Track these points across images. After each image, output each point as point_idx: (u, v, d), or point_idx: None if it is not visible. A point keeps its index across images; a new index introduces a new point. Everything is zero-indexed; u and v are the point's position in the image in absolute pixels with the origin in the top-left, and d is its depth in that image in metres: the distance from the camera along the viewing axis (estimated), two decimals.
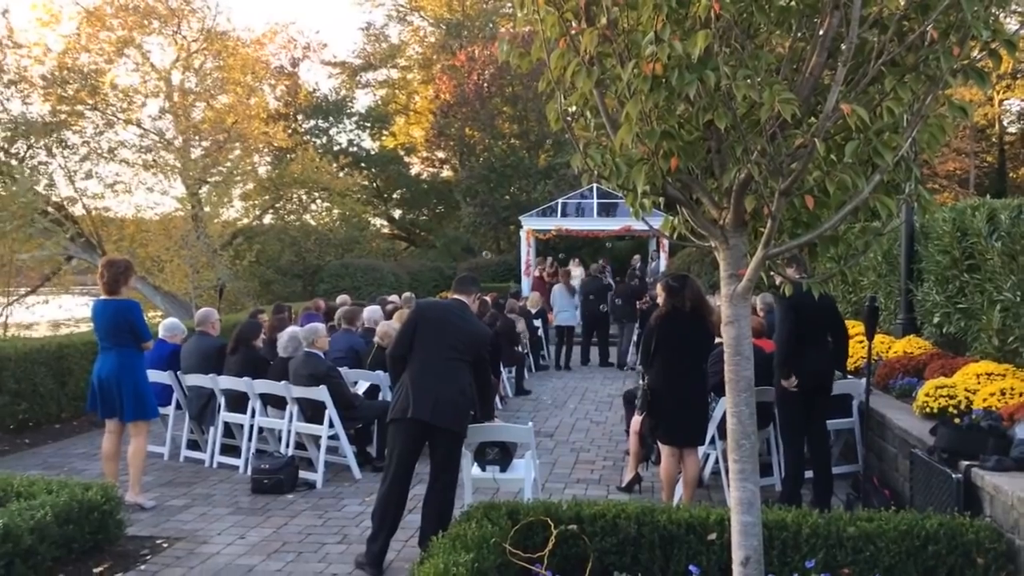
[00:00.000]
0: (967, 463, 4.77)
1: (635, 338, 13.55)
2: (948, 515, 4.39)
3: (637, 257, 21.73)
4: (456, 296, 5.35)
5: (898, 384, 7.18)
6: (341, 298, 12.25)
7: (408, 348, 5.11)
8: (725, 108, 2.86)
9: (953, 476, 4.75)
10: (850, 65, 2.87)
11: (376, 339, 8.32)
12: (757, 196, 3.05)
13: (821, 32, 2.91)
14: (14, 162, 19.46)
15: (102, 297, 6.45)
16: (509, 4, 31.59)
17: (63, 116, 20.99)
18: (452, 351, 5.04)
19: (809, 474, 6.09)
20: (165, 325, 8.62)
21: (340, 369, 7.54)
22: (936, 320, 8.14)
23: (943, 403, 5.90)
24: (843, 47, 2.81)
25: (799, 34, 3.11)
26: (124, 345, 6.32)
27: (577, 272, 19.17)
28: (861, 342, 7.75)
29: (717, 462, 6.48)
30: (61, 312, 22.50)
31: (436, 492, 5.04)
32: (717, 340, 5.74)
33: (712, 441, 6.39)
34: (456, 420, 5.04)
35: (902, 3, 2.88)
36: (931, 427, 5.45)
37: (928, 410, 5.96)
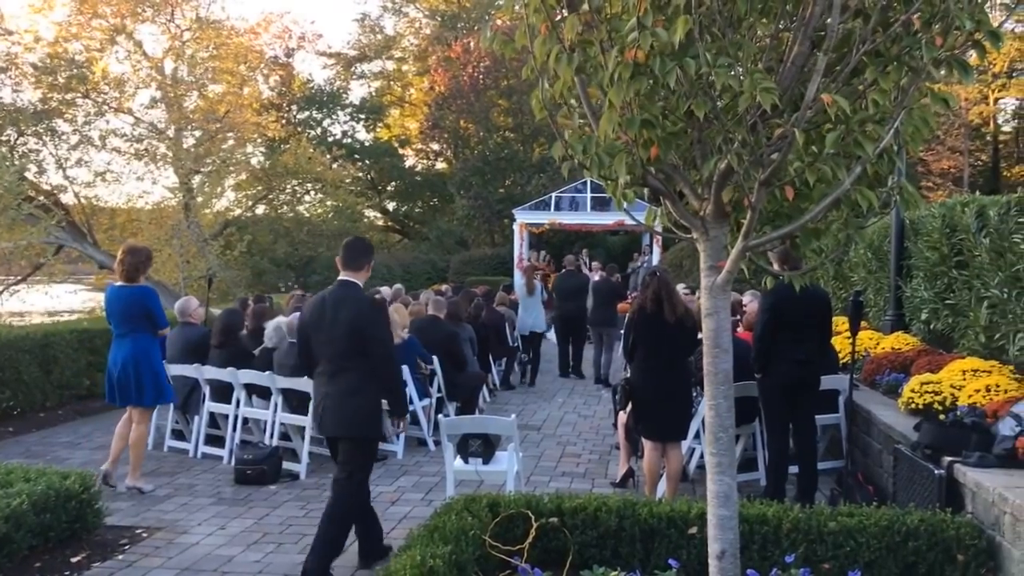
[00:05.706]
0: (950, 459, 4.75)
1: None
2: (930, 511, 4.38)
3: (585, 251, 21.24)
4: (343, 277, 4.77)
5: (885, 380, 7.16)
6: None
7: (310, 360, 4.84)
8: (704, 96, 2.82)
9: (935, 472, 4.73)
10: (833, 55, 2.83)
11: None
12: (737, 187, 3.02)
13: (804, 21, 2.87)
14: (3, 149, 19.34)
15: (117, 283, 6.43)
16: None
17: (54, 104, 20.86)
18: (333, 348, 4.68)
19: (794, 469, 6.07)
20: None
21: None
22: (924, 316, 8.13)
23: (928, 399, 5.88)
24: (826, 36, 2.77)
25: (782, 23, 3.07)
26: (139, 331, 6.35)
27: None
28: (847, 337, 7.73)
29: (702, 456, 6.45)
30: (51, 301, 22.37)
31: (332, 493, 4.76)
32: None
33: (697, 435, 6.37)
34: (345, 426, 4.68)
35: None
36: (915, 423, 5.43)
37: (913, 406, 5.94)
